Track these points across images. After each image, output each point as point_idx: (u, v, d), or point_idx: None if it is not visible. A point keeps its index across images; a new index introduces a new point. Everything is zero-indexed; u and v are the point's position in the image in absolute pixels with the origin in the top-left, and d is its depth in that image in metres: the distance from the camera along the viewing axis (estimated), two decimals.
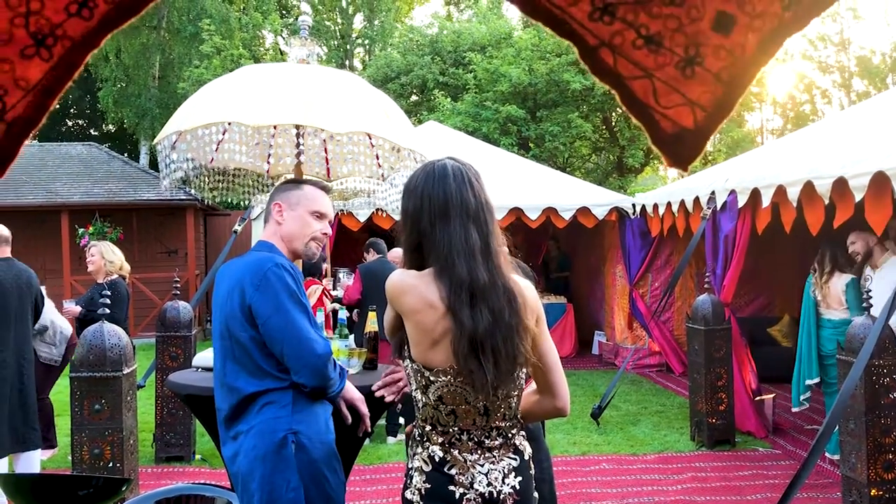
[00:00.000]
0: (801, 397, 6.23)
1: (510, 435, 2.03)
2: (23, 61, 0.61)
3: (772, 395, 7.13)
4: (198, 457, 6.29)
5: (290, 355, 2.42)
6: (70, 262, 13.15)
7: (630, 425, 7.34)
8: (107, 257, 6.07)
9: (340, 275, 9.67)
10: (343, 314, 3.52)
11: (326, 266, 7.54)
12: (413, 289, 1.97)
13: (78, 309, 5.87)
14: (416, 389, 2.04)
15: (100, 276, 6.07)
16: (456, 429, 1.99)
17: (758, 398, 7.00)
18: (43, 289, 5.64)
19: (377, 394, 2.60)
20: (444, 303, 1.92)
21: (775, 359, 8.97)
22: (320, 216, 2.70)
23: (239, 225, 9.32)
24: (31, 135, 0.65)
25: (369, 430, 2.94)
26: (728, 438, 6.55)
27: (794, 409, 6.50)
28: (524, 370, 2.03)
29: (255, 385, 2.45)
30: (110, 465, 4.68)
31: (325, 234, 2.72)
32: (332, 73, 3.48)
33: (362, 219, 9.48)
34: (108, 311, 4.82)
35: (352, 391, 2.80)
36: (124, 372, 4.73)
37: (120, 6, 0.61)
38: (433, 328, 1.94)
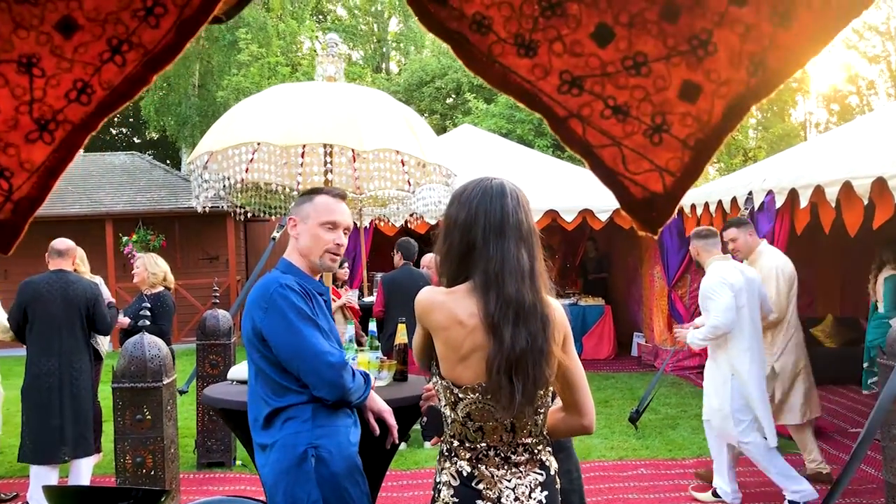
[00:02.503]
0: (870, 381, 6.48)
1: (536, 451, 2.06)
2: (27, 145, 0.66)
3: None
4: (239, 462, 6.40)
5: (306, 372, 2.47)
6: (115, 270, 13.47)
7: (669, 429, 7.28)
8: (150, 269, 6.23)
9: (377, 278, 9.75)
10: (373, 326, 3.57)
11: (342, 271, 7.49)
12: (442, 305, 2.01)
13: (127, 320, 6.03)
14: (444, 405, 2.08)
15: (144, 286, 6.24)
16: (483, 445, 2.03)
17: None
18: (102, 285, 5.85)
19: (423, 408, 2.63)
20: (482, 319, 1.96)
21: (818, 360, 8.79)
22: (333, 226, 2.67)
23: (277, 232, 9.45)
24: (35, 212, 0.70)
25: (397, 442, 2.98)
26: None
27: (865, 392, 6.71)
28: (550, 388, 2.06)
29: (277, 401, 2.52)
30: (152, 473, 4.79)
31: (339, 244, 2.69)
32: (359, 91, 3.53)
33: (398, 224, 9.53)
34: (148, 322, 4.95)
35: (379, 403, 2.84)
36: (164, 382, 4.84)
37: (115, 91, 0.66)
38: (461, 345, 1.98)
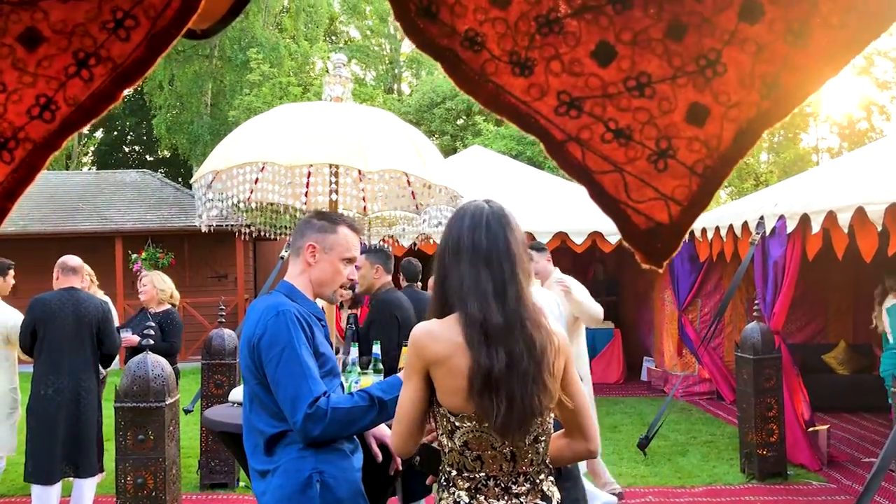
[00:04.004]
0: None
1: (538, 480, 2.00)
2: None
3: (826, 427, 6.89)
4: (242, 484, 6.33)
5: (283, 408, 2.40)
6: (123, 287, 13.48)
7: (678, 456, 7.16)
8: (158, 286, 6.21)
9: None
10: (377, 349, 3.52)
11: (346, 293, 7.41)
12: (441, 334, 1.97)
13: (136, 338, 6.00)
14: (442, 434, 2.02)
15: (152, 304, 6.21)
16: (482, 475, 1.97)
17: (811, 429, 6.77)
18: (109, 303, 5.82)
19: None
20: (462, 343, 1.93)
21: (831, 387, 8.70)
22: (350, 261, 2.66)
23: (286, 251, 9.42)
24: None
25: (401, 468, 2.92)
26: (780, 471, 6.34)
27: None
28: (551, 414, 2.00)
29: (274, 427, 2.45)
30: (153, 494, 4.74)
31: (352, 279, 2.69)
32: (365, 112, 3.51)
33: (406, 244, 9.50)
34: (152, 342, 4.91)
35: (382, 428, 2.78)
36: (167, 402, 4.80)
37: (81, 108, 0.62)
38: (462, 372, 1.93)
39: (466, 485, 1.99)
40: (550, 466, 2.06)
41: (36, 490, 5.15)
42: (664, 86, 0.62)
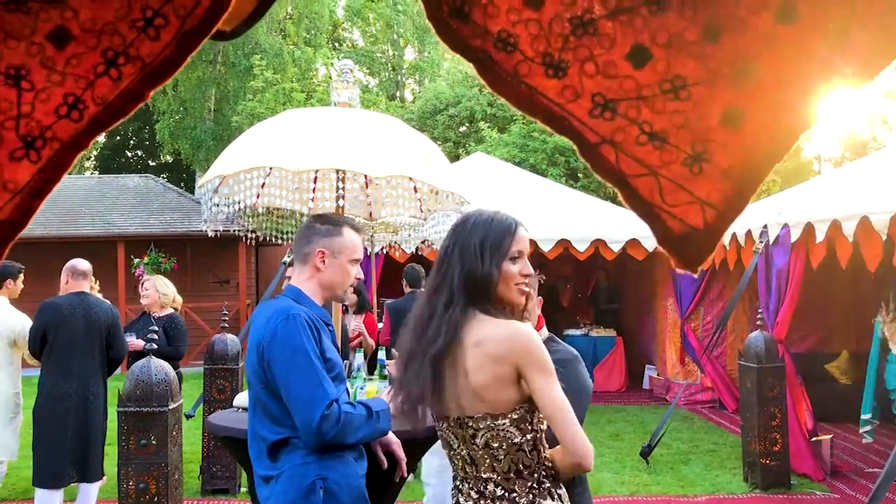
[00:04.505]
0: (861, 430, 6.23)
1: (511, 490, 1.95)
2: (11, 164, 0.61)
3: (829, 436, 6.87)
4: (244, 490, 6.30)
5: (293, 413, 2.40)
6: (125, 292, 13.48)
7: (681, 464, 7.14)
8: (161, 290, 6.20)
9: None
10: (382, 354, 3.51)
11: (352, 297, 7.42)
12: None
13: (141, 343, 5.99)
14: None
15: (155, 308, 6.20)
16: (459, 476, 2.04)
17: (814, 439, 6.75)
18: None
19: None
20: None
21: (833, 397, 8.67)
22: (356, 262, 2.72)
23: (288, 256, 9.41)
24: (16, 237, 0.64)
25: (406, 475, 2.91)
26: (783, 481, 6.32)
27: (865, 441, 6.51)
28: (503, 421, 1.93)
29: (278, 433, 2.45)
30: (155, 499, 4.72)
31: (359, 278, 2.74)
32: (372, 118, 3.50)
33: (409, 250, 9.49)
34: (156, 346, 4.90)
35: (389, 435, 2.78)
36: (170, 407, 4.78)
37: (109, 107, 0.61)
38: None
39: (455, 483, 2.08)
40: (540, 477, 1.99)
41: (40, 494, 5.14)
42: (700, 88, 0.61)
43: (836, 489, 6.33)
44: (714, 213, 0.63)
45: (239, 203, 3.41)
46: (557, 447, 2.04)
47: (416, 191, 3.61)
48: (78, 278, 5.32)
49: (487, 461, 1.96)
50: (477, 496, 1.97)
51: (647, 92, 0.61)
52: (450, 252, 2.01)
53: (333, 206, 3.51)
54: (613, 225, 10.23)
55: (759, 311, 6.97)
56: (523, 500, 1.95)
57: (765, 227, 7.08)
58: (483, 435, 1.93)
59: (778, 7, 0.61)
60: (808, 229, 6.33)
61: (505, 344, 1.92)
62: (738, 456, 7.06)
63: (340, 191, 3.43)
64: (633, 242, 9.80)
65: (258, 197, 3.48)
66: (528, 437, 1.95)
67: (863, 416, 6.16)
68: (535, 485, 1.96)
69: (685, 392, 9.49)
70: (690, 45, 0.61)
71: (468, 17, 0.62)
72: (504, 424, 1.93)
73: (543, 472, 1.98)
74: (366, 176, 3.49)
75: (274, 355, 2.41)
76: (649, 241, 9.81)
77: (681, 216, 0.62)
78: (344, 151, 3.04)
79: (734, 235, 7.91)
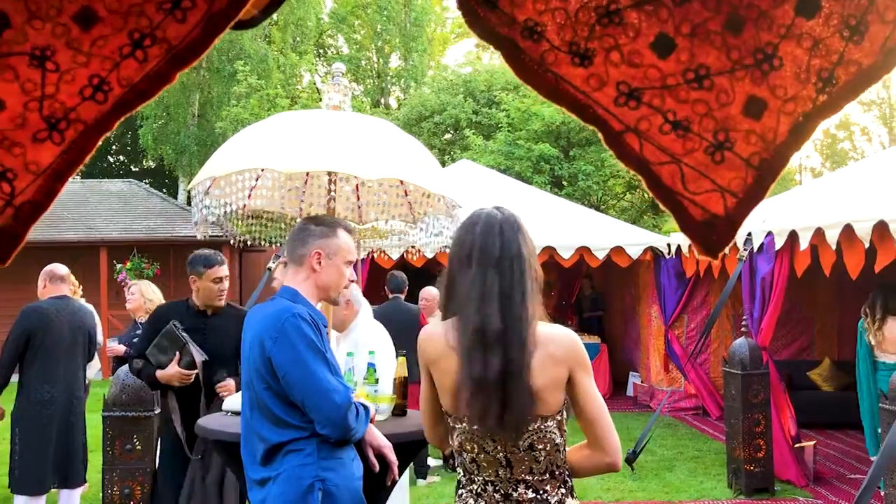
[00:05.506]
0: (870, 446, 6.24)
1: (542, 490, 1.97)
2: (34, 145, 0.61)
3: (812, 443, 6.92)
4: None
5: (311, 408, 2.42)
6: (108, 297, 13.36)
7: (665, 471, 7.17)
8: (147, 296, 6.14)
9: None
10: (372, 358, 3.50)
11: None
12: (437, 336, 2.02)
13: (122, 348, 5.93)
14: (449, 434, 2.07)
15: (139, 314, 6.15)
16: (480, 479, 1.98)
17: (797, 445, 6.79)
18: (94, 312, 5.75)
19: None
20: (454, 346, 1.95)
21: (815, 403, 8.74)
22: (350, 264, 2.73)
23: (273, 262, 9.37)
24: (38, 219, 0.64)
25: (397, 478, 2.90)
26: (767, 487, 6.36)
27: (873, 458, 6.47)
28: (551, 423, 1.97)
29: (278, 435, 2.45)
30: None
31: (353, 280, 2.74)
32: (364, 120, 3.50)
33: (395, 256, 9.47)
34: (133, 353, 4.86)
35: (379, 438, 2.78)
36: (156, 412, 4.74)
37: (134, 89, 0.61)
38: (452, 373, 1.96)
39: (470, 487, 2.01)
40: (567, 478, 2.03)
41: (21, 501, 5.07)
42: (722, 78, 0.62)
43: (819, 495, 6.37)
44: (735, 200, 0.63)
45: (229, 206, 3.40)
46: (575, 447, 2.08)
47: (406, 194, 3.61)
48: (56, 282, 5.27)
49: (526, 463, 1.96)
50: (501, 498, 1.96)
51: (671, 81, 0.61)
52: (515, 252, 2.00)
53: (324, 208, 3.50)
54: (598, 232, 10.28)
55: (744, 318, 7.02)
56: (554, 499, 1.98)
57: (749, 234, 7.14)
58: (529, 437, 1.94)
59: (798, 0, 0.62)
60: (793, 237, 6.39)
61: (565, 347, 1.98)
62: (721, 462, 7.10)
63: (332, 193, 3.42)
64: (618, 250, 9.86)
65: (249, 198, 3.46)
66: (563, 438, 2.01)
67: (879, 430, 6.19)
68: (561, 484, 2.00)
69: (669, 399, 9.53)
70: (713, 36, 0.61)
71: (496, 5, 0.62)
72: (551, 426, 1.97)
73: (567, 473, 2.03)
74: (357, 178, 3.49)
75: (282, 354, 2.42)
76: (634, 249, 9.87)
77: (702, 203, 0.63)
78: (336, 154, 3.04)
79: None
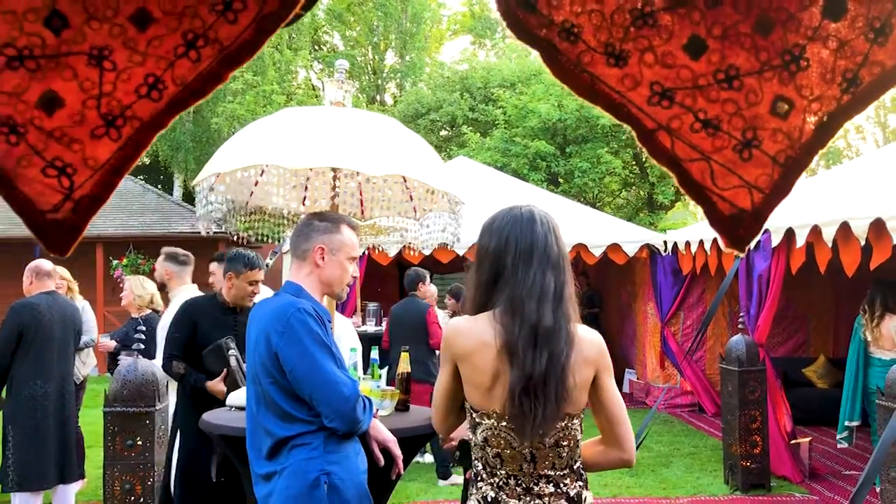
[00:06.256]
0: (839, 436, 6.27)
1: (562, 484, 2.01)
2: (92, 141, 0.63)
3: (808, 439, 6.97)
4: None
5: (319, 401, 2.44)
6: (104, 294, 13.35)
7: (662, 467, 7.21)
8: (136, 292, 6.11)
9: (369, 308, 9.68)
10: (374, 354, 3.52)
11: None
12: (468, 331, 2.01)
13: (113, 344, 5.94)
14: (469, 428, 2.08)
15: (132, 310, 6.15)
16: (503, 472, 2.01)
17: (793, 441, 6.84)
18: (88, 308, 5.77)
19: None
20: (502, 344, 1.95)
21: (810, 400, 8.80)
22: (354, 259, 2.74)
23: (270, 259, 9.39)
24: (97, 212, 0.66)
25: (402, 472, 2.93)
26: (763, 483, 6.41)
27: (839, 446, 6.55)
28: (576, 420, 2.02)
29: (285, 429, 2.47)
30: (141, 500, 4.69)
31: (355, 276, 2.78)
32: (368, 117, 3.53)
33: (392, 253, 9.50)
34: (143, 346, 4.87)
35: (384, 432, 2.80)
36: (157, 407, 4.75)
37: (188, 88, 0.63)
38: (486, 369, 1.97)
39: (490, 480, 2.02)
40: (582, 471, 2.07)
41: (21, 498, 5.07)
42: (751, 79, 0.65)
43: (814, 491, 6.42)
44: (761, 196, 0.66)
45: (233, 202, 3.42)
46: (589, 443, 2.14)
47: (409, 190, 3.63)
48: (43, 278, 5.27)
49: (550, 458, 2.00)
50: (522, 491, 1.99)
51: (703, 81, 0.64)
52: (560, 250, 2.05)
53: (328, 204, 3.52)
54: (594, 230, 10.31)
55: (741, 315, 7.07)
56: (573, 492, 2.03)
57: None
58: (556, 434, 1.98)
59: (826, 2, 0.65)
60: (789, 234, 6.44)
61: (595, 348, 2.04)
62: (718, 459, 7.15)
63: (336, 190, 3.44)
64: (614, 247, 9.89)
65: (252, 195, 3.48)
66: (582, 434, 2.06)
67: (847, 423, 6.23)
68: (578, 478, 2.05)
69: (665, 396, 9.58)
70: (743, 38, 0.64)
71: (534, 7, 0.65)
72: (576, 424, 2.02)
73: (582, 466, 2.08)
74: (359, 175, 3.51)
75: (288, 348, 2.44)
76: (630, 246, 9.90)
77: (730, 199, 0.66)
78: (341, 150, 3.06)
79: (715, 240, 8.02)
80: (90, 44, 0.61)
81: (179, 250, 5.28)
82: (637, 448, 7.18)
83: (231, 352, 3.92)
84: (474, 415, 2.01)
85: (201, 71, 0.64)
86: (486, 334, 1.97)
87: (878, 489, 5.10)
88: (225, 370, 3.91)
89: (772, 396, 6.68)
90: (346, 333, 3.69)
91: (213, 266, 5.16)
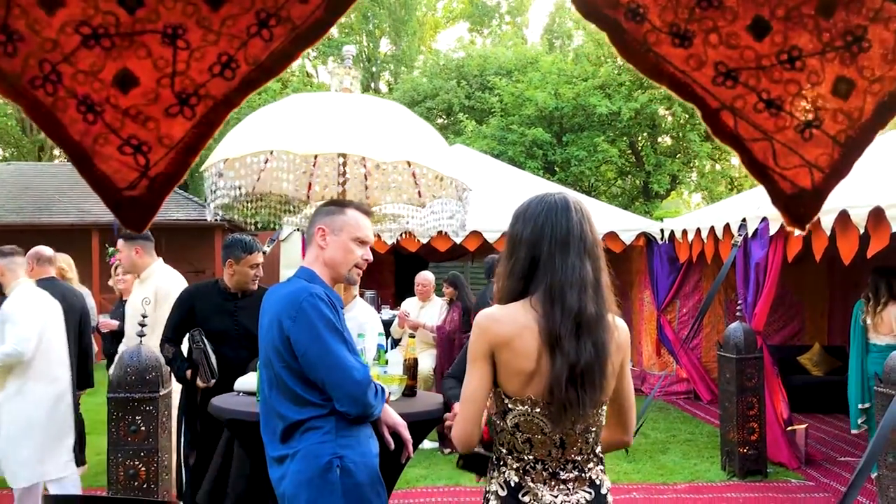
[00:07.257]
0: (859, 421, 6.40)
1: (586, 469, 2.05)
2: (167, 119, 0.64)
3: (804, 426, 7.04)
4: None
5: (331, 385, 2.45)
6: (100, 280, 13.33)
7: (660, 454, 7.27)
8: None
9: (368, 296, 9.71)
10: (382, 340, 3.54)
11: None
12: (506, 317, 1.99)
13: (115, 323, 5.94)
14: (495, 413, 2.06)
15: (127, 295, 6.16)
16: (531, 457, 2.02)
17: (790, 428, 6.90)
18: (88, 295, 5.75)
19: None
20: (541, 332, 1.94)
21: (805, 388, 8.88)
22: (363, 242, 2.72)
23: (267, 246, 9.39)
24: (172, 190, 0.67)
25: (412, 455, 2.96)
26: (760, 469, 6.46)
27: (854, 431, 6.67)
28: (605, 407, 2.06)
29: (297, 413, 2.48)
30: (145, 485, 4.70)
31: (367, 260, 2.75)
32: (377, 102, 3.52)
33: (389, 241, 9.49)
34: (146, 333, 4.86)
35: (394, 416, 2.83)
36: (161, 393, 4.76)
37: (260, 67, 0.64)
38: (529, 352, 1.95)
39: (516, 465, 2.03)
40: (601, 455, 2.10)
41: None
42: (813, 60, 0.66)
43: (810, 477, 6.49)
44: (821, 175, 0.67)
45: (241, 188, 3.42)
46: None
47: (415, 177, 3.63)
48: (44, 265, 5.26)
49: (578, 445, 2.03)
50: (548, 476, 2.01)
51: (766, 62, 0.65)
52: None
53: (336, 189, 3.52)
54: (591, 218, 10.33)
55: (738, 302, 7.10)
56: (593, 475, 2.06)
57: (743, 220, 7.22)
58: (586, 420, 2.00)
59: None
60: None
61: (625, 335, 2.08)
62: (714, 445, 7.21)
63: (345, 176, 3.45)
64: (611, 235, 9.91)
65: (259, 180, 3.48)
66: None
67: (860, 406, 6.33)
68: (598, 462, 2.09)
69: (662, 383, 9.63)
70: (806, 19, 0.65)
71: None
72: (604, 410, 2.06)
73: (601, 450, 2.12)
74: (367, 161, 3.51)
75: (301, 333, 2.45)
76: (627, 234, 9.93)
77: (791, 178, 0.67)
78: (350, 136, 3.06)
79: (712, 228, 8.05)
80: (164, 22, 0.62)
81: (7, 246, 5.07)
82: (634, 435, 7.25)
83: (196, 345, 3.94)
84: (507, 401, 2.00)
85: (273, 50, 0.64)
86: (527, 319, 1.96)
87: (873, 476, 5.16)
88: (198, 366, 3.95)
89: (768, 383, 6.73)
90: (370, 320, 3.70)
91: (121, 243, 5.13)
